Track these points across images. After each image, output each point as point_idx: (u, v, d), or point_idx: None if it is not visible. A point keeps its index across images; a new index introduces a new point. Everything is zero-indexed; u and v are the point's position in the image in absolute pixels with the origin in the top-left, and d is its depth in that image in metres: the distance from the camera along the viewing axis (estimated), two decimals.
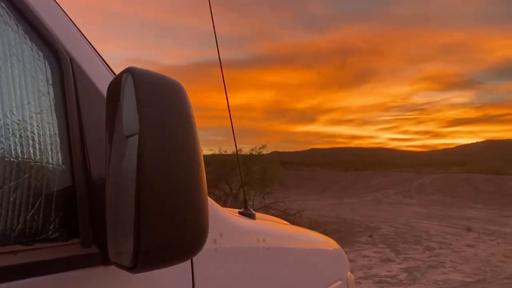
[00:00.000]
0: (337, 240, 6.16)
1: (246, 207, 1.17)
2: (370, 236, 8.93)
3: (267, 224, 1.24)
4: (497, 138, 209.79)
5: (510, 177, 21.05)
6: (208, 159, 11.54)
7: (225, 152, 10.89)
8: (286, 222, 1.60)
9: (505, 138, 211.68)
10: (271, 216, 2.17)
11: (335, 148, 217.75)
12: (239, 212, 1.16)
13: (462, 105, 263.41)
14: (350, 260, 5.93)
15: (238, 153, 10.29)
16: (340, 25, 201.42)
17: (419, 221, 11.59)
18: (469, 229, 9.85)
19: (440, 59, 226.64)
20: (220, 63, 1.25)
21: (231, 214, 0.98)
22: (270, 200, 10.26)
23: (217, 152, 10.87)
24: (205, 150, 10.91)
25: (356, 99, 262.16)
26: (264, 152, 10.92)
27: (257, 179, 10.20)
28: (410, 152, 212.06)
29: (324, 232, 9.46)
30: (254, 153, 10.74)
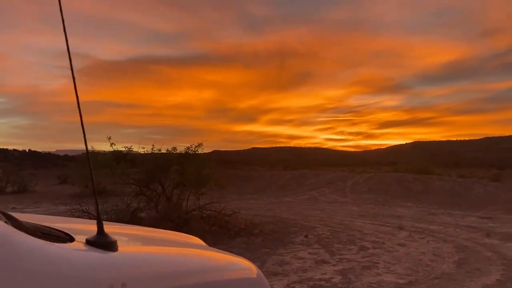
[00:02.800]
0: (273, 241, 5.85)
1: (100, 233, 0.75)
2: (306, 236, 8.81)
3: (133, 257, 0.81)
4: (424, 139, 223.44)
5: (436, 177, 22.21)
6: (141, 158, 10.91)
7: (159, 150, 10.30)
8: (188, 238, 1.21)
9: (431, 139, 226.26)
10: (164, 231, 1.68)
11: (275, 147, 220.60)
12: (88, 242, 0.74)
13: (393, 108, 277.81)
14: (285, 263, 5.65)
15: (174, 151, 9.66)
16: (279, 28, 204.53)
17: (354, 220, 11.73)
18: (400, 228, 10.08)
19: (373, 64, 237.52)
20: (69, 52, 0.87)
21: (56, 246, 0.52)
22: (205, 200, 9.84)
23: (149, 150, 10.24)
24: (137, 148, 10.26)
25: (295, 100, 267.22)
26: (200, 150, 10.45)
27: (192, 179, 9.74)
28: (345, 151, 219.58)
29: (260, 232, 9.25)
30: (190, 152, 10.23)
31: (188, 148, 10.15)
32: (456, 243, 8.34)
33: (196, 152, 10.20)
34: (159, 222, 8.65)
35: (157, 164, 9.65)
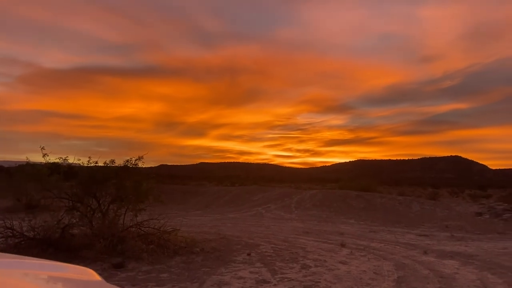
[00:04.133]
0: (214, 260, 5.49)
1: None
2: (249, 254, 8.57)
3: None
4: (367, 158, 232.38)
5: (378, 194, 22.85)
6: (75, 170, 10.22)
7: (96, 163, 9.70)
8: (77, 272, 0.94)
9: (374, 158, 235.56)
10: (51, 263, 1.28)
11: (224, 163, 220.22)
12: None
13: (338, 127, 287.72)
14: (225, 283, 5.32)
15: (112, 164, 9.09)
16: (231, 44, 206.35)
17: (298, 237, 11.64)
18: (342, 245, 10.09)
19: (320, 84, 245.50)
20: None
21: None
22: (144, 217, 9.34)
23: (85, 163, 9.60)
24: (72, 159, 9.59)
25: (244, 116, 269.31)
26: (143, 164, 9.97)
27: (130, 194, 9.21)
28: (292, 168, 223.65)
29: (201, 251, 8.87)
30: (129, 165, 9.71)
31: (127, 161, 9.64)
32: (395, 261, 8.43)
33: (136, 166, 9.72)
34: (92, 240, 8.07)
35: (93, 177, 9.06)
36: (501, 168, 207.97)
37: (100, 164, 9.65)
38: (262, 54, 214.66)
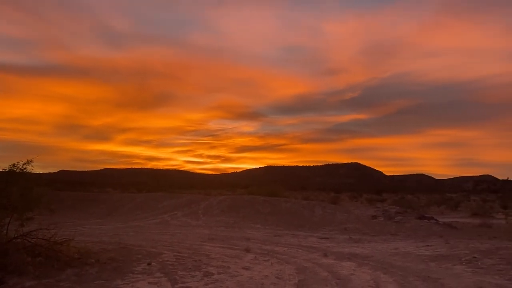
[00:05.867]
0: (111, 271, 5.01)
1: None
2: (149, 264, 8.14)
3: None
4: (276, 164, 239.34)
5: (283, 199, 23.44)
6: None
7: None
8: None
9: (282, 164, 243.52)
10: None
11: (131, 169, 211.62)
12: None
13: (249, 134, 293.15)
14: None
15: None
16: (141, 45, 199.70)
17: (203, 244, 11.41)
18: (247, 250, 10.08)
19: (232, 91, 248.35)
20: None
21: None
22: (32, 227, 8.43)
23: None
24: None
25: (154, 120, 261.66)
26: (30, 169, 9.00)
27: (15, 202, 8.26)
28: (203, 174, 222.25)
29: (97, 262, 8.23)
30: (15, 170, 8.72)
31: (13, 165, 8.66)
32: (297, 264, 8.59)
33: (24, 171, 8.76)
34: None
35: None
36: (394, 174, 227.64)
37: None
38: (174, 58, 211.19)
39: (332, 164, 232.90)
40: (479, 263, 8.63)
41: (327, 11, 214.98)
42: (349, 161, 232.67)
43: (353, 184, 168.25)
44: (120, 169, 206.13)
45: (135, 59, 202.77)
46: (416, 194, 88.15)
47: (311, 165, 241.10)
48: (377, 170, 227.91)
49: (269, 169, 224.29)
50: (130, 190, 52.60)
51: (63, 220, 19.14)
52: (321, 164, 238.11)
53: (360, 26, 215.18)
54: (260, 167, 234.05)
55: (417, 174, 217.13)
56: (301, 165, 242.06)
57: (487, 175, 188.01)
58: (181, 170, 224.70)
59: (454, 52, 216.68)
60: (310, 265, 8.48)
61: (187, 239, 12.60)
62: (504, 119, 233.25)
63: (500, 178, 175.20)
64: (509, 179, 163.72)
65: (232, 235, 13.81)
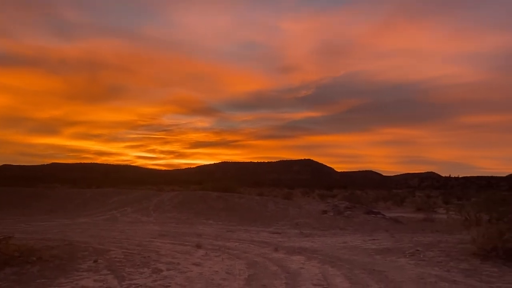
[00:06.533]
0: (54, 269, 4.78)
1: None
2: (95, 261, 7.88)
3: None
4: (230, 160, 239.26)
5: (237, 195, 23.48)
6: None
7: None
8: None
9: (237, 160, 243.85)
10: None
11: (80, 163, 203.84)
12: None
13: (204, 130, 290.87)
14: None
15: None
16: (92, 36, 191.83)
17: (153, 240, 11.20)
18: (198, 246, 10.00)
19: (187, 86, 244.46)
20: None
21: None
22: None
23: None
24: None
25: (105, 114, 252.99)
26: None
27: None
28: (155, 170, 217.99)
29: (39, 260, 7.86)
30: None
31: None
32: (248, 259, 8.62)
33: None
34: None
35: None
36: (345, 170, 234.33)
37: None
38: (126, 50, 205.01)
39: (286, 160, 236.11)
40: (421, 256, 9.03)
41: (283, 9, 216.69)
42: (303, 158, 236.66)
43: (306, 180, 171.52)
44: (68, 164, 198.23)
45: (86, 49, 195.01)
46: (365, 190, 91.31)
47: (266, 161, 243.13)
48: (329, 167, 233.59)
49: (223, 165, 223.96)
50: (79, 186, 50.82)
51: (4, 216, 18.16)
52: (275, 161, 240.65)
53: (315, 25, 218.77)
54: (214, 163, 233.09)
55: (366, 170, 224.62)
56: (256, 161, 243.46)
57: (431, 172, 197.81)
58: (133, 166, 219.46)
59: (403, 53, 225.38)
60: (261, 260, 8.54)
61: (136, 235, 12.33)
62: (448, 119, 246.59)
63: (443, 175, 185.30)
64: (451, 176, 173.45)
65: (183, 231, 13.66)
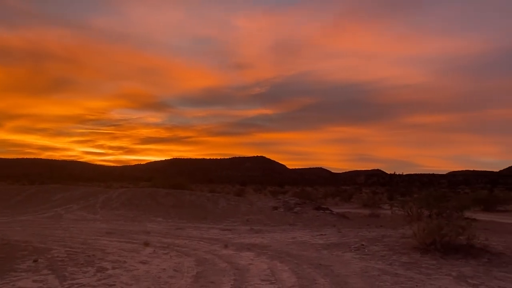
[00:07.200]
0: None
1: None
2: (35, 260, 7.51)
3: None
4: (182, 157, 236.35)
5: (188, 192, 23.25)
6: None
7: None
8: None
9: (188, 157, 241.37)
10: None
11: (22, 159, 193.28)
12: None
13: (155, 125, 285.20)
14: None
15: None
16: (36, 25, 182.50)
17: (99, 238, 10.85)
18: (146, 244, 9.79)
19: (137, 80, 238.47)
20: None
21: None
22: None
23: None
24: None
25: (50, 107, 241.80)
26: None
27: None
28: (103, 166, 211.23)
29: None
30: None
31: None
32: (197, 256, 8.56)
33: None
34: None
35: None
36: (296, 167, 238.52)
37: None
38: (73, 41, 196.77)
39: (239, 157, 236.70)
40: (366, 250, 9.37)
41: (237, 6, 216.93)
42: (255, 155, 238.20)
43: (258, 177, 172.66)
44: (9, 159, 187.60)
45: (30, 39, 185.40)
46: (315, 186, 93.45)
47: (218, 158, 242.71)
48: (281, 164, 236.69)
49: (175, 162, 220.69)
50: (21, 182, 48.34)
51: None
52: (227, 157, 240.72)
53: (269, 23, 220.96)
54: (165, 160, 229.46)
55: (316, 167, 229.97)
56: (208, 158, 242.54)
57: (378, 170, 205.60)
58: (80, 162, 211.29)
59: (352, 55, 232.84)
60: (210, 257, 8.50)
61: (81, 233, 11.89)
62: (394, 118, 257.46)
63: (388, 172, 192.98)
64: (396, 173, 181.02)
65: (131, 229, 13.33)
